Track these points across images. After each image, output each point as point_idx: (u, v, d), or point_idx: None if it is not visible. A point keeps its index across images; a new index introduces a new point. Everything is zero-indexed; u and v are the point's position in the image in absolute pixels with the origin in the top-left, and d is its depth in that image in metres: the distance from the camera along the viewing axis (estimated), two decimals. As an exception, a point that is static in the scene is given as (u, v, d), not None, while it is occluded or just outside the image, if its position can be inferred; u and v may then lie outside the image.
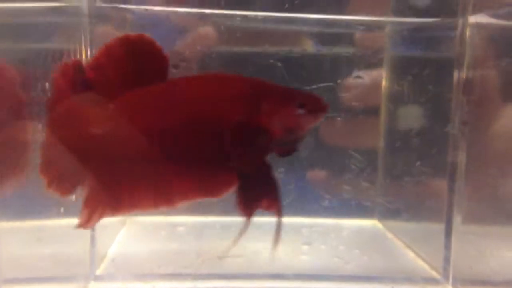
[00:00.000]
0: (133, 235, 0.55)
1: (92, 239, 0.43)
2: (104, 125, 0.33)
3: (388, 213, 0.59)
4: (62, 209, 0.37)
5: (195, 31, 0.51)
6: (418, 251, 0.51)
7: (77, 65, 0.32)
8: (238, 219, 0.58)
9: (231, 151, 0.33)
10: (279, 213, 0.36)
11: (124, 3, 0.47)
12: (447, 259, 0.45)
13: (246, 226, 0.36)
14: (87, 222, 0.33)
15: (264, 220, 0.57)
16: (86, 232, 0.43)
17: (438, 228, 0.47)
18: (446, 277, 0.45)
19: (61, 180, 0.33)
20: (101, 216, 0.34)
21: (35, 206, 0.35)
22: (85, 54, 0.40)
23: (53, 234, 0.38)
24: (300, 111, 0.33)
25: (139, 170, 0.33)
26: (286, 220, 0.59)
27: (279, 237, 0.36)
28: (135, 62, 0.32)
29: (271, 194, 0.36)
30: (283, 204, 0.57)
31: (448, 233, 0.45)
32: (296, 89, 0.35)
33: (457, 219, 0.44)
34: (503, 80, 0.39)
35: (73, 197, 0.37)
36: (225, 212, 0.58)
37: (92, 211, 0.33)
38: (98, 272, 0.45)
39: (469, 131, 0.42)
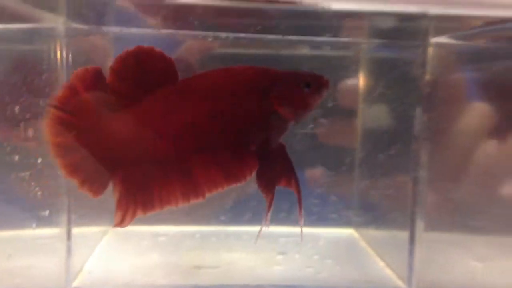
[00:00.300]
0: (114, 245, 0.56)
1: (68, 250, 0.45)
2: (130, 124, 0.35)
3: (363, 222, 0.61)
4: (34, 225, 0.38)
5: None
6: (388, 260, 0.53)
7: (98, 71, 0.35)
8: (218, 229, 0.60)
9: (252, 136, 0.36)
10: (297, 188, 0.39)
11: (100, 24, 0.49)
12: (411, 268, 0.47)
13: (270, 205, 0.39)
14: (122, 222, 0.36)
15: (240, 230, 0.59)
16: (62, 244, 0.44)
17: (404, 236, 0.48)
18: (410, 286, 0.47)
19: (91, 181, 0.36)
20: (134, 215, 0.36)
21: (9, 216, 0.36)
22: (61, 74, 0.42)
23: (26, 246, 0.39)
24: (307, 90, 0.36)
25: (167, 166, 0.35)
26: (265, 229, 0.62)
27: (302, 213, 0.40)
28: (148, 69, 0.35)
29: (288, 172, 0.38)
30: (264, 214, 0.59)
31: (412, 241, 0.47)
32: (298, 71, 0.37)
33: (419, 227, 0.46)
34: (462, 97, 0.41)
35: (47, 212, 0.39)
36: (205, 221, 0.60)
37: (125, 212, 0.36)
38: (74, 284, 0.46)
39: (430, 146, 0.44)
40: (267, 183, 0.37)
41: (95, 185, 0.36)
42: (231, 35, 0.49)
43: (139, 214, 0.36)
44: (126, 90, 0.35)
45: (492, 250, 0.39)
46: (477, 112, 0.40)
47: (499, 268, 0.40)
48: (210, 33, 0.49)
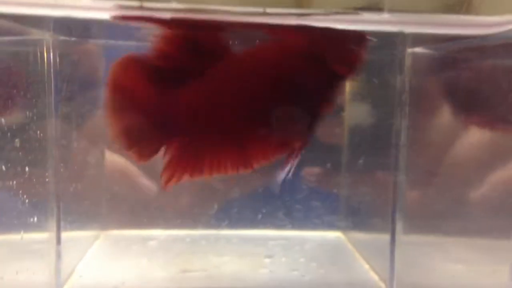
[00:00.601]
0: (105, 250, 0.57)
1: (58, 254, 0.46)
2: (191, 95, 0.36)
3: (349, 226, 0.62)
4: (22, 233, 0.39)
5: None
6: (372, 263, 0.54)
7: (142, 57, 0.36)
8: (208, 232, 0.61)
9: (312, 102, 0.36)
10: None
11: (87, 36, 0.50)
12: (392, 270, 0.48)
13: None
14: (168, 182, 0.37)
15: (230, 234, 0.61)
16: (51, 248, 0.46)
17: (386, 239, 0.50)
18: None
19: (140, 145, 0.37)
20: (181, 177, 0.37)
21: None
22: (49, 85, 0.43)
23: (15, 251, 0.40)
24: (353, 46, 0.36)
25: (221, 136, 0.36)
26: (255, 232, 0.63)
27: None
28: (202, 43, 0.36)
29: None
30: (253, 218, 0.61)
31: (392, 244, 0.48)
32: (340, 29, 0.36)
33: (399, 230, 0.47)
34: (438, 104, 0.42)
35: (35, 218, 0.40)
36: (195, 226, 0.61)
37: (172, 172, 0.37)
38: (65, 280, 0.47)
39: (409, 151, 0.45)
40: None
41: (145, 150, 0.37)
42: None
43: (186, 177, 0.37)
44: (173, 73, 0.36)
45: (471, 252, 0.40)
46: (449, 118, 0.41)
47: (478, 270, 0.41)
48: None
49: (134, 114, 0.37)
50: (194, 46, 0.36)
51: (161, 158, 0.42)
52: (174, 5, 0.32)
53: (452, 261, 0.43)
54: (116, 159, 0.59)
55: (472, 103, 0.39)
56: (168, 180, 0.37)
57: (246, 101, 0.36)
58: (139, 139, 0.37)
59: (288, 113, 0.36)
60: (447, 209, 0.42)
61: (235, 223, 0.62)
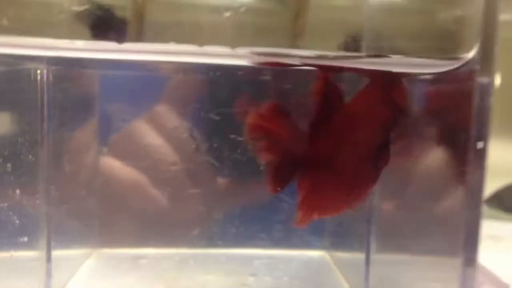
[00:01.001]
0: (96, 268, 0.60)
1: (48, 272, 0.49)
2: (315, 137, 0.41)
3: (332, 245, 0.64)
4: (11, 252, 0.41)
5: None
6: (351, 281, 0.56)
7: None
8: (197, 252, 0.64)
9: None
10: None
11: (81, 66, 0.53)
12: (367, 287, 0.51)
13: None
14: (301, 222, 0.41)
15: (218, 253, 0.63)
16: (41, 266, 0.48)
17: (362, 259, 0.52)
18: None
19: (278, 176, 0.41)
20: (311, 217, 0.41)
21: None
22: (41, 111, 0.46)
23: (5, 268, 0.41)
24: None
25: (339, 174, 0.41)
26: (242, 251, 0.65)
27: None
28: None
29: None
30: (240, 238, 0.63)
31: (367, 263, 0.51)
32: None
33: (373, 249, 0.50)
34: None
35: (25, 238, 0.43)
36: (184, 244, 0.64)
37: (305, 213, 0.41)
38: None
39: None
40: None
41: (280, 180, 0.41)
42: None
43: (315, 217, 0.41)
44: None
45: (437, 272, 0.42)
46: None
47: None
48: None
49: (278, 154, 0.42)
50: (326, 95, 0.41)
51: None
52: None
53: (420, 279, 0.44)
54: (127, 171, 0.62)
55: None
56: (300, 221, 0.41)
57: (356, 145, 0.41)
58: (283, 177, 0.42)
59: (380, 152, 0.41)
60: (414, 229, 0.44)
61: (222, 243, 0.64)
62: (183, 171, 0.62)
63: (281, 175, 0.42)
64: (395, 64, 0.36)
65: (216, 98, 0.61)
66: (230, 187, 0.64)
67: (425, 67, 0.36)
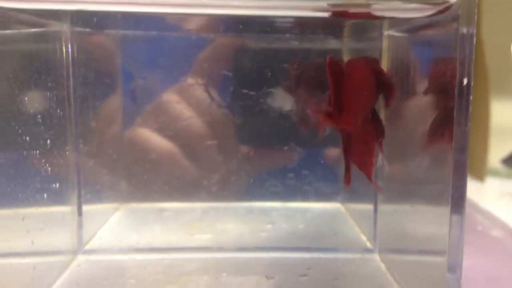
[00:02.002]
0: (124, 219, 0.64)
1: (79, 223, 0.53)
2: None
3: (347, 197, 0.67)
4: (45, 195, 0.45)
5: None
6: (363, 228, 0.59)
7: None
8: (216, 205, 0.67)
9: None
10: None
11: (105, 26, 0.56)
12: (375, 233, 0.54)
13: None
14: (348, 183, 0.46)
15: (235, 206, 0.66)
16: (74, 217, 0.52)
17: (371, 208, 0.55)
18: (375, 247, 0.54)
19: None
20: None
21: (20, 194, 0.41)
22: (67, 69, 0.50)
23: (41, 220, 0.45)
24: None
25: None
26: (259, 204, 0.68)
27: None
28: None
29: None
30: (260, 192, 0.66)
31: (375, 212, 0.54)
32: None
33: (380, 200, 0.53)
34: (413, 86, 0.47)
35: (57, 184, 0.47)
36: (206, 198, 0.67)
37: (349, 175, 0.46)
38: (87, 247, 0.54)
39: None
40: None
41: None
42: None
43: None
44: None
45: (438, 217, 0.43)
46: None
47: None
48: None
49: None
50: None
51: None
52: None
53: (419, 224, 0.46)
54: (163, 142, 0.66)
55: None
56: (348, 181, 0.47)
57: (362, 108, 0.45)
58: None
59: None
60: (412, 181, 0.46)
61: (242, 196, 0.68)
62: (211, 138, 0.66)
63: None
64: (382, 9, 0.38)
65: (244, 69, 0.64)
66: (254, 155, 0.67)
67: (411, 11, 0.38)
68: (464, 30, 0.33)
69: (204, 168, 0.67)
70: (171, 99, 0.64)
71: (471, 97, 0.32)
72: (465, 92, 0.32)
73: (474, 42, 0.33)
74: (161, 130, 0.65)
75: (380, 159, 0.51)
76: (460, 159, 0.34)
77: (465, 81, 0.32)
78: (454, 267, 0.35)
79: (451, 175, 0.34)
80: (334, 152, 0.67)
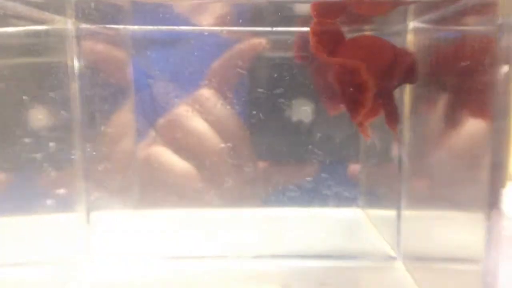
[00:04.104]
0: (135, 226, 0.62)
1: (87, 230, 0.51)
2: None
3: (368, 203, 0.64)
4: (50, 202, 0.43)
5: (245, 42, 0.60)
6: (386, 235, 0.56)
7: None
8: (232, 210, 0.65)
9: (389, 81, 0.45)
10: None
11: (111, 22, 0.54)
12: (399, 240, 0.51)
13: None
14: (367, 134, 0.46)
15: (249, 211, 0.64)
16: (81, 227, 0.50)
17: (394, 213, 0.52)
18: (399, 254, 0.51)
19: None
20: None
21: (24, 200, 0.40)
22: (72, 70, 0.47)
23: (48, 227, 0.43)
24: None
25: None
26: (277, 210, 0.66)
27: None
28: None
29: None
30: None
31: (398, 218, 0.51)
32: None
33: (404, 206, 0.50)
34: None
35: (62, 190, 0.45)
36: (220, 204, 0.65)
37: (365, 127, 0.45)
38: (95, 256, 0.52)
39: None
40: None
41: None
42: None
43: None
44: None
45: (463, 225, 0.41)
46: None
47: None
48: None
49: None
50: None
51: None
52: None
53: (448, 231, 0.44)
54: (181, 164, 0.64)
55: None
56: (367, 133, 0.46)
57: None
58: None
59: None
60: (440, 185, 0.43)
61: (259, 202, 0.65)
62: (226, 153, 0.64)
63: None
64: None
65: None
66: (271, 170, 0.65)
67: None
68: (503, 18, 0.30)
69: (220, 176, 0.64)
70: (185, 110, 0.62)
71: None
72: (503, 88, 0.29)
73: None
74: (176, 144, 0.63)
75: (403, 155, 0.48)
76: (497, 159, 0.31)
77: (504, 70, 0.29)
78: (490, 275, 0.32)
79: (489, 177, 0.31)
80: (356, 168, 0.64)
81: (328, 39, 0.44)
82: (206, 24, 0.55)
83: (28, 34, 0.40)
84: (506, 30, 0.30)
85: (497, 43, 0.30)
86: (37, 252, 0.41)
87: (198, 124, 0.63)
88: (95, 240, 0.53)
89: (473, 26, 0.35)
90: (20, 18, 0.38)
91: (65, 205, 0.47)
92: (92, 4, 0.43)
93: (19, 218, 0.39)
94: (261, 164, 0.65)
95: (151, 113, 0.63)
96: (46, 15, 0.42)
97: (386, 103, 0.46)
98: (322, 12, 0.43)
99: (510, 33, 0.30)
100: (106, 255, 0.52)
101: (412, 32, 0.48)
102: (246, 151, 0.64)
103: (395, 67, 0.45)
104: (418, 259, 0.47)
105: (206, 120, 0.62)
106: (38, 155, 0.40)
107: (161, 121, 0.63)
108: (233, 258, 0.52)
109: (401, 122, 0.49)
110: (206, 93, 0.61)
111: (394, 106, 0.46)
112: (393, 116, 0.47)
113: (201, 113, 0.62)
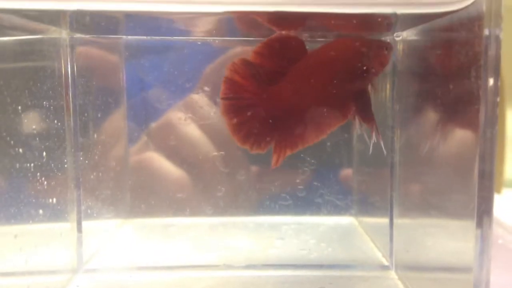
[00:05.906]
0: (127, 235, 0.62)
1: (79, 240, 0.51)
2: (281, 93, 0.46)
3: (360, 211, 0.64)
4: (40, 211, 0.43)
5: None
6: (378, 243, 0.56)
7: (245, 60, 0.45)
8: (224, 219, 0.65)
9: (354, 87, 0.46)
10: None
11: (104, 33, 0.54)
12: (391, 249, 0.51)
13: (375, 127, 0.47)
14: (277, 163, 0.47)
15: (244, 220, 0.64)
16: (72, 236, 0.50)
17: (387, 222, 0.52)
18: (392, 263, 0.51)
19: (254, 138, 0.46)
20: (284, 156, 0.47)
21: (13, 209, 0.39)
22: (65, 78, 0.47)
23: (40, 237, 0.43)
24: (385, 52, 0.46)
25: (303, 117, 0.46)
26: (270, 218, 0.65)
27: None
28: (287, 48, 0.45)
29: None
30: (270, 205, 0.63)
31: (391, 226, 0.51)
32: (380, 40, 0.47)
33: (396, 214, 0.50)
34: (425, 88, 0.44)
35: (53, 199, 0.44)
36: (214, 213, 0.64)
37: (278, 155, 0.46)
38: (87, 266, 0.51)
39: (400, 135, 0.48)
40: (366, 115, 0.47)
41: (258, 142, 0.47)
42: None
43: (288, 153, 0.47)
44: (271, 65, 0.45)
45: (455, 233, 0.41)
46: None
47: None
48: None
49: (245, 110, 0.46)
50: (280, 47, 0.45)
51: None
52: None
53: (439, 239, 0.44)
54: (172, 169, 0.63)
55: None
56: (277, 160, 0.47)
57: (320, 88, 0.46)
58: (251, 134, 0.47)
59: (339, 93, 0.46)
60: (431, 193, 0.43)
61: (252, 210, 0.65)
62: (219, 160, 0.64)
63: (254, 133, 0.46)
64: (403, 4, 0.36)
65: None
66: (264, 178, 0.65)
67: (435, 6, 0.35)
68: (489, 31, 0.30)
69: (212, 183, 0.64)
70: (178, 116, 0.62)
71: (498, 101, 0.29)
72: (491, 98, 0.30)
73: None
74: (168, 150, 0.62)
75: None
76: (485, 168, 0.31)
77: (491, 81, 0.29)
78: (481, 284, 0.33)
79: (476, 185, 0.31)
80: (348, 172, 0.65)
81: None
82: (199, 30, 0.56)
83: (22, 43, 0.40)
84: (492, 42, 0.31)
85: (483, 55, 0.30)
86: (29, 261, 0.40)
87: (191, 131, 0.63)
88: (87, 249, 0.52)
89: (460, 38, 0.35)
90: (15, 29, 0.38)
91: (56, 214, 0.46)
92: (87, 17, 0.43)
93: (10, 228, 0.38)
94: (254, 172, 0.65)
95: (143, 120, 0.63)
96: (41, 25, 0.42)
97: (360, 100, 0.47)
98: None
99: (496, 45, 0.30)
100: (98, 264, 0.52)
101: (400, 43, 0.48)
102: (239, 159, 0.64)
103: (369, 61, 0.45)
104: (410, 268, 0.47)
105: (199, 127, 0.62)
106: (30, 164, 0.40)
107: (153, 127, 0.62)
108: (224, 267, 0.52)
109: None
110: (199, 100, 0.61)
111: (369, 101, 0.47)
112: (368, 112, 0.47)
113: (194, 120, 0.62)
